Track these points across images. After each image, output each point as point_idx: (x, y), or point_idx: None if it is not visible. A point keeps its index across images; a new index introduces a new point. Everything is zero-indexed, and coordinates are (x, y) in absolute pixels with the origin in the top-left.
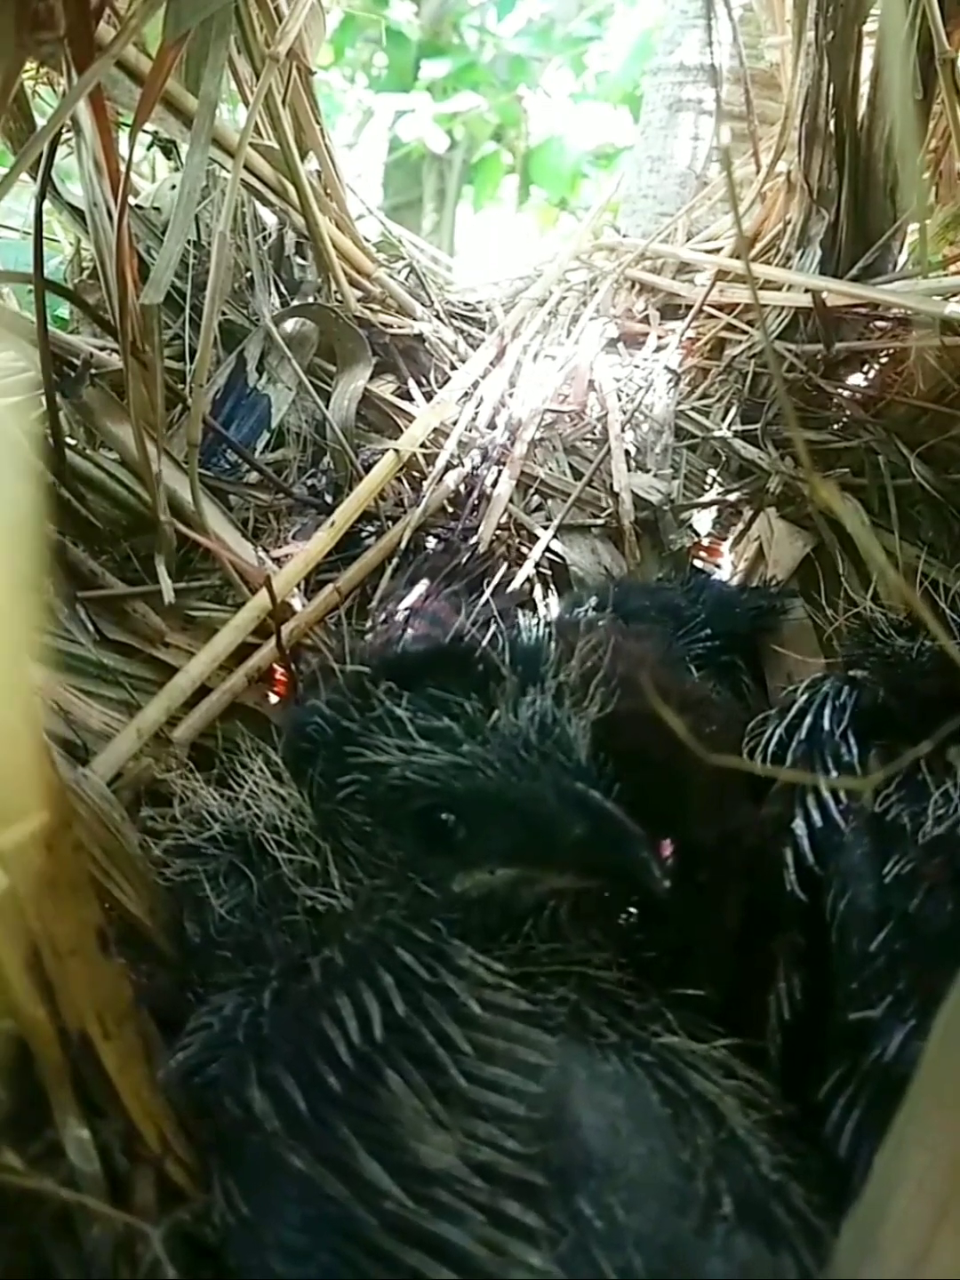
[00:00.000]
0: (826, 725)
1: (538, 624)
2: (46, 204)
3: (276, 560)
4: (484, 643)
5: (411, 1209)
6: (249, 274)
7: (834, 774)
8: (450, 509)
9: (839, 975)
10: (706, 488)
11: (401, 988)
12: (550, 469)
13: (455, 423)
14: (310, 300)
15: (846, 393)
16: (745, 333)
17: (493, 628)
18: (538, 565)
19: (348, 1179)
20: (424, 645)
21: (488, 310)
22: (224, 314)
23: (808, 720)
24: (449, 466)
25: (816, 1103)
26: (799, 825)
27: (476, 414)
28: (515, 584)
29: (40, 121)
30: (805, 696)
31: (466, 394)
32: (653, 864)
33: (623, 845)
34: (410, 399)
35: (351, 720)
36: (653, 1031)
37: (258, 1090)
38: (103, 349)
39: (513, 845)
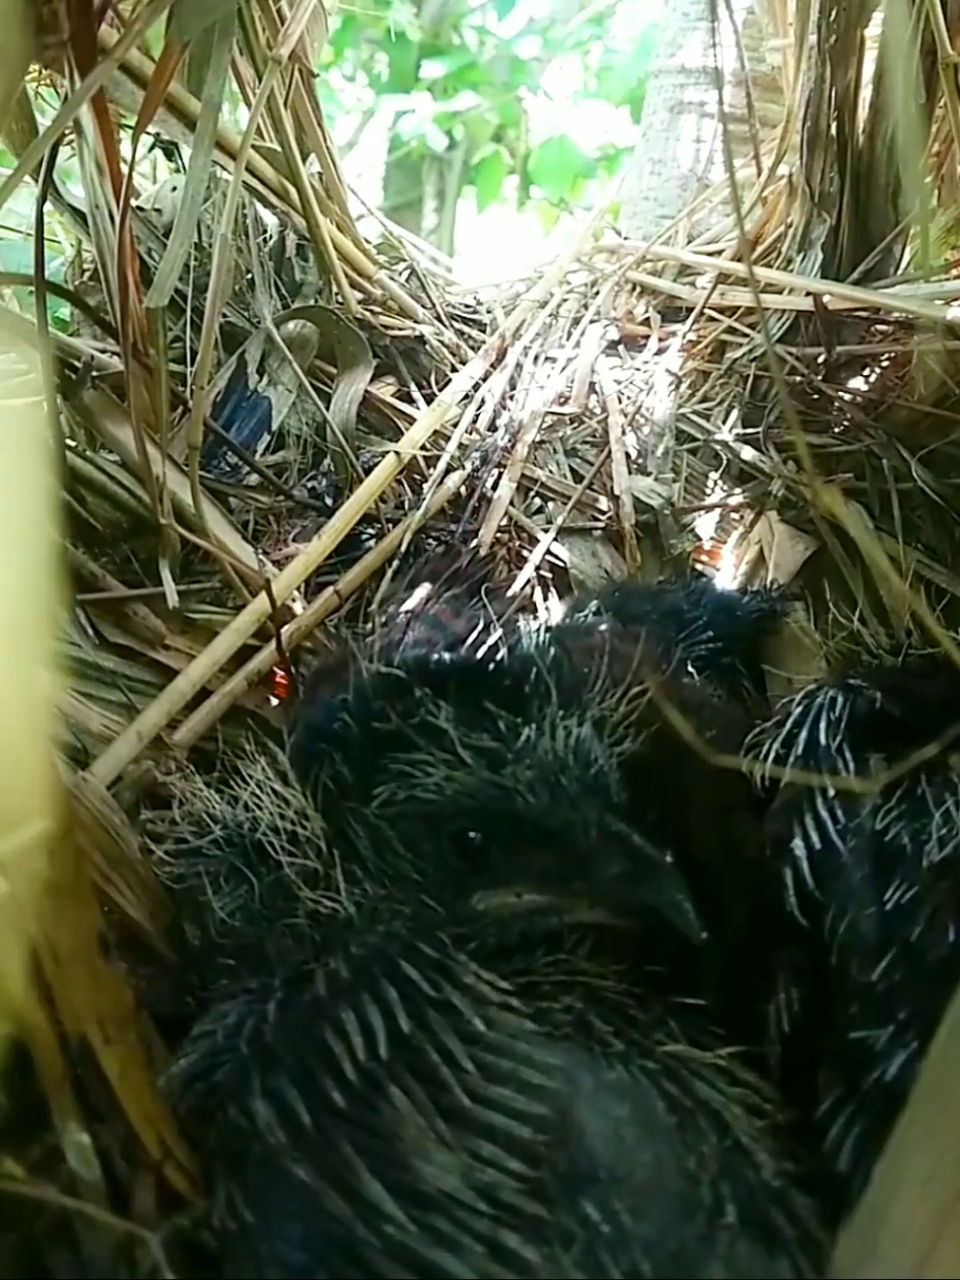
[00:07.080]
0: (822, 738)
1: (544, 631)
2: (48, 206)
3: (277, 563)
4: (524, 658)
5: (412, 1234)
6: (250, 276)
7: (832, 790)
8: (451, 511)
9: (839, 999)
10: (708, 491)
11: (406, 1002)
12: (551, 472)
13: (456, 425)
14: (311, 302)
15: (848, 396)
16: (746, 336)
17: (498, 633)
18: (538, 568)
19: (350, 1197)
20: (460, 654)
21: (488, 312)
22: (225, 316)
23: (804, 735)
24: (449, 469)
25: (817, 1120)
26: (798, 846)
27: (477, 416)
28: (516, 587)
29: (43, 123)
30: (800, 708)
31: (467, 396)
32: (692, 910)
33: (661, 888)
34: (411, 401)
35: (386, 723)
36: (657, 1039)
37: (261, 1101)
38: (104, 351)
39: (547, 873)
